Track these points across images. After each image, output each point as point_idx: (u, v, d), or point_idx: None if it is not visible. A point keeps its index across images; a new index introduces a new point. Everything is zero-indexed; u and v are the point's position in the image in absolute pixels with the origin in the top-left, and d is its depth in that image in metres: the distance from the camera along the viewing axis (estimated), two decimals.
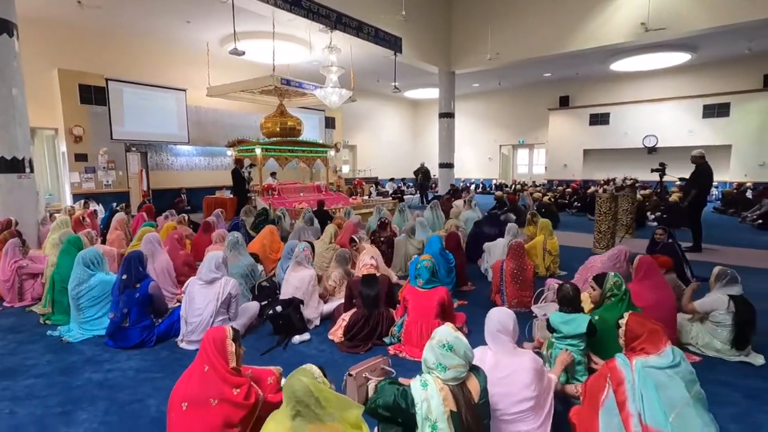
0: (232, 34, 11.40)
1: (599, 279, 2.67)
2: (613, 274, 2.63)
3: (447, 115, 15.39)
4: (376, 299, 3.13)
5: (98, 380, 2.74)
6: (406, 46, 12.34)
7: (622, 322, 1.99)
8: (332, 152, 12.30)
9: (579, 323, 2.45)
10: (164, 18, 9.81)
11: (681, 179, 6.64)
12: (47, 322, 3.73)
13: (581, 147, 17.35)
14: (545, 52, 12.25)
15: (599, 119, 16.85)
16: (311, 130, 15.56)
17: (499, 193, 10.33)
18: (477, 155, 20.91)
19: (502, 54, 13.07)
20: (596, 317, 2.48)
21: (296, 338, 3.24)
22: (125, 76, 10.72)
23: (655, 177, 6.97)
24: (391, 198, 13.43)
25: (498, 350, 1.95)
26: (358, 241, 4.52)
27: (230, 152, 11.04)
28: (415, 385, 1.65)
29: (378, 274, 3.26)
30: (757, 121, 13.88)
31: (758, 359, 2.92)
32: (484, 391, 1.69)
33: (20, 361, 3.03)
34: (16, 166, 5.59)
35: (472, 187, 20.47)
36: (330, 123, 16.68)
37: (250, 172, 9.99)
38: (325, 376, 1.68)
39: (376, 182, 15.36)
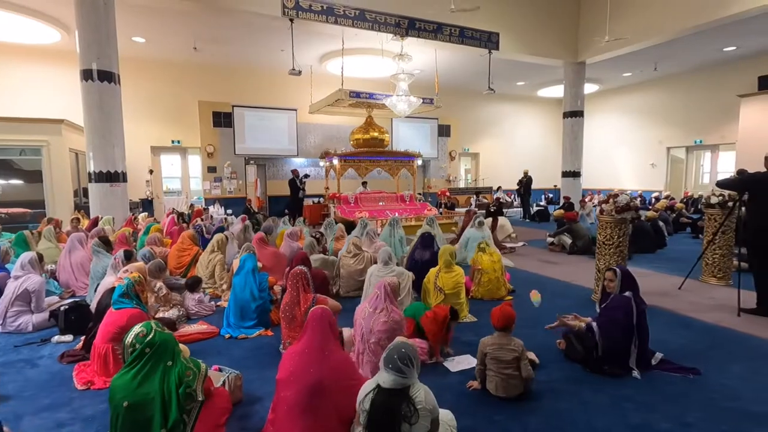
0: (329, 53, 12.63)
1: None
2: None
3: (573, 114, 13.06)
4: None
5: None
6: (511, 40, 11.05)
7: None
8: (419, 161, 12.00)
9: None
10: (264, 50, 11.55)
11: None
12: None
13: None
14: (706, 18, 9.13)
15: None
16: (421, 140, 15.45)
17: (559, 211, 8.16)
18: (634, 161, 16.91)
19: (638, 30, 10.42)
20: None
21: (55, 338, 3.52)
22: (247, 102, 12.92)
23: None
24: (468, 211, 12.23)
25: None
26: None
27: (322, 162, 12.09)
28: None
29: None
30: None
31: None
32: None
33: None
34: (109, 177, 7.48)
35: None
36: (444, 131, 16.18)
37: (304, 182, 10.92)
38: None
39: (476, 192, 14.13)
